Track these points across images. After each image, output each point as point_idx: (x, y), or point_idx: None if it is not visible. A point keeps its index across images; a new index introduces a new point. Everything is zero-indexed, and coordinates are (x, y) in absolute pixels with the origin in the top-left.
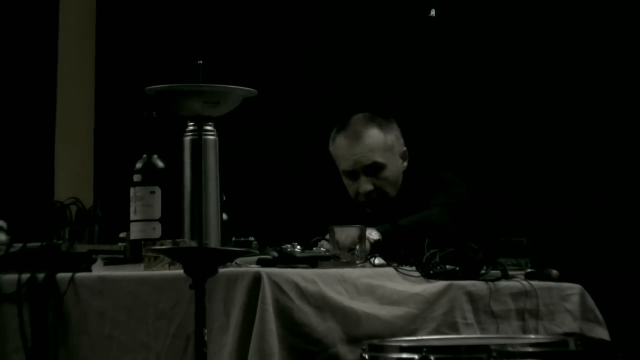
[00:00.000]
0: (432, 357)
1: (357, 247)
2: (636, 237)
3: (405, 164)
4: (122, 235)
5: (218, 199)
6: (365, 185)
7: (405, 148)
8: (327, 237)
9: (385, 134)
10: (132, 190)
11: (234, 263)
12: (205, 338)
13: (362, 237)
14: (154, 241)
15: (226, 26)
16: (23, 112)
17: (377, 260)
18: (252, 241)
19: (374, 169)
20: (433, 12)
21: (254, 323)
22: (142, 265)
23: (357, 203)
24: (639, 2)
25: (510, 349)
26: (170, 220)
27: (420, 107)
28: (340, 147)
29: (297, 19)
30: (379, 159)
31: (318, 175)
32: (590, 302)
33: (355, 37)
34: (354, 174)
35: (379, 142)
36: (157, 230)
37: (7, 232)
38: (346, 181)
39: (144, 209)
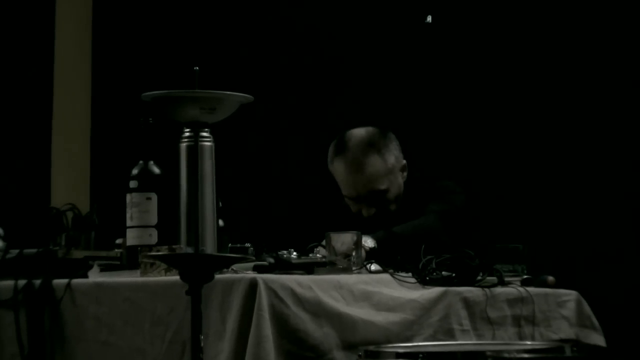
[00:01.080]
0: None
1: (354, 254)
2: (633, 243)
3: (406, 174)
4: (118, 241)
5: (214, 205)
6: (369, 210)
7: (404, 161)
8: (324, 243)
9: (385, 158)
10: (128, 196)
11: (230, 269)
12: (202, 344)
13: (358, 244)
14: (150, 247)
15: (222, 32)
16: (19, 118)
17: (374, 267)
18: (248, 247)
19: (377, 195)
20: (429, 19)
21: (250, 329)
22: (138, 272)
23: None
24: (639, 2)
25: (506, 355)
26: (167, 227)
27: (417, 113)
28: (340, 172)
29: (294, 25)
30: (382, 186)
31: (314, 181)
32: (587, 308)
33: (352, 43)
34: (356, 199)
35: (380, 170)
36: (153, 237)
37: (3, 238)
38: (348, 201)
39: (140, 215)
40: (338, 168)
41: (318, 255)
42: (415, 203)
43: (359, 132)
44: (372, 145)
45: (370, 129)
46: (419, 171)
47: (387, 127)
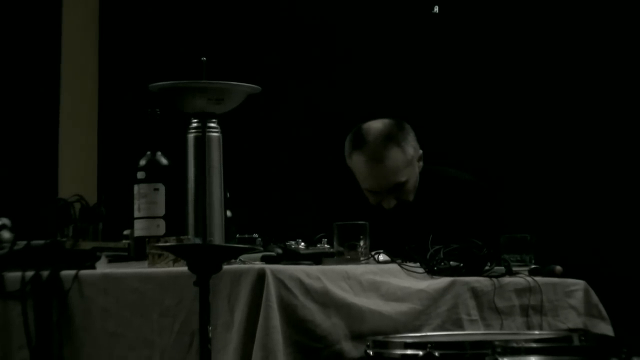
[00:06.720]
0: (436, 353)
1: (361, 244)
2: None
3: (421, 163)
4: (126, 232)
5: (222, 195)
6: (389, 202)
7: (421, 151)
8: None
9: (405, 150)
10: (135, 187)
11: (238, 260)
12: (210, 335)
13: (365, 234)
14: (158, 238)
15: (230, 23)
16: (27, 109)
17: (382, 257)
18: (256, 238)
19: (398, 187)
20: (436, 9)
21: (258, 320)
22: (146, 263)
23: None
24: (639, 2)
25: (514, 344)
26: (174, 217)
27: (426, 103)
28: (360, 166)
29: (302, 15)
30: (402, 178)
31: (322, 171)
32: (594, 298)
33: (359, 33)
34: (377, 192)
35: (401, 162)
36: (161, 228)
37: (11, 229)
38: (367, 193)
39: (147, 206)
40: (358, 162)
41: (326, 245)
42: (430, 192)
43: (376, 125)
44: (391, 138)
45: (386, 121)
46: (430, 159)
47: (398, 117)
